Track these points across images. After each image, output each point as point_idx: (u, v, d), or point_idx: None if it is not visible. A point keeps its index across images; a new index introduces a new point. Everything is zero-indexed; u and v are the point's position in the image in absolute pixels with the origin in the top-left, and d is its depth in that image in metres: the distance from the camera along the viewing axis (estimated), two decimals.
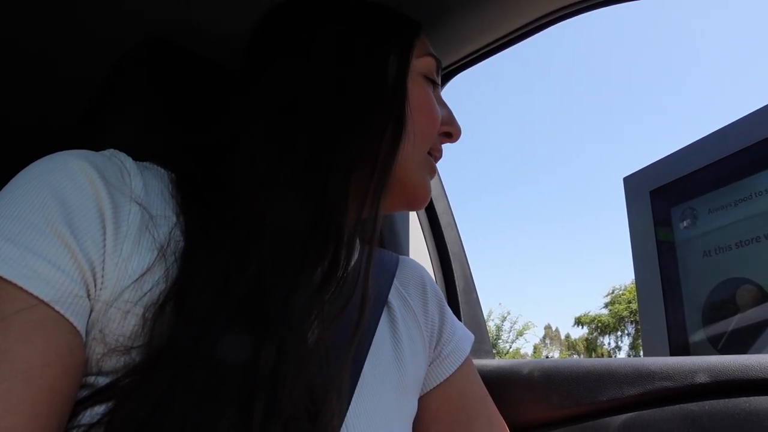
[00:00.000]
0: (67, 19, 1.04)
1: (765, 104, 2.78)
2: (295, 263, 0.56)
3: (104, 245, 0.51)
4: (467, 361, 0.82)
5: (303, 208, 0.59)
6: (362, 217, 0.62)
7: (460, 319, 1.26)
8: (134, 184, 0.56)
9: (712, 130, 3.03)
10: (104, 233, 0.52)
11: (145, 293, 0.52)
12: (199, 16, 0.92)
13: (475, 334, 1.27)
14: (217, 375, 0.49)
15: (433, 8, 1.05)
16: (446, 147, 0.79)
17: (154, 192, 0.58)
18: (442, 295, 0.86)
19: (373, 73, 0.67)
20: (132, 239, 0.53)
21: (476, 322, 1.29)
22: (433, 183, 1.37)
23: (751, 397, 0.71)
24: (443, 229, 1.33)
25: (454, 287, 1.29)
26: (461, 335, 0.83)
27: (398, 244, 1.26)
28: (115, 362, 0.51)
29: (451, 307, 1.29)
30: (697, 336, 2.96)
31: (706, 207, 3.01)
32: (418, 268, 0.86)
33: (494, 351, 1.29)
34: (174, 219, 0.57)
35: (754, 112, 2.83)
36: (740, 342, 2.74)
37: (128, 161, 0.59)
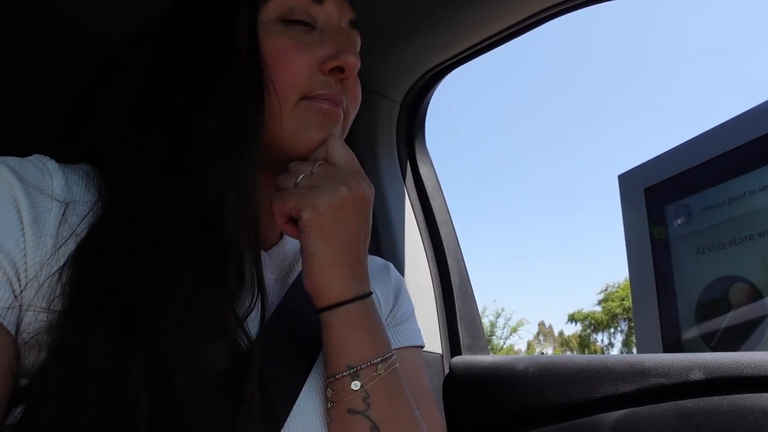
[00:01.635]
0: (58, 11, 1.03)
1: (759, 103, 2.79)
2: (177, 269, 0.55)
3: (25, 243, 0.52)
4: (414, 353, 0.79)
5: (176, 208, 0.58)
6: (241, 198, 0.60)
7: (455, 315, 1.26)
8: (55, 184, 0.57)
9: (707, 128, 3.04)
10: (23, 232, 0.52)
11: (57, 291, 0.52)
12: None
13: (470, 330, 1.28)
14: (109, 386, 0.48)
15: (428, 4, 1.05)
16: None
17: (77, 187, 0.59)
18: (403, 283, 0.85)
19: (220, 41, 0.64)
20: (54, 235, 0.54)
21: (471, 318, 1.29)
22: (429, 179, 1.37)
23: (746, 395, 0.71)
24: (439, 225, 1.33)
25: (450, 283, 1.29)
26: (413, 328, 0.80)
27: (393, 240, 1.26)
28: (32, 360, 0.51)
29: (446, 303, 1.29)
30: (690, 333, 2.97)
31: (700, 205, 3.02)
32: (381, 261, 0.86)
33: (489, 347, 1.29)
34: (91, 209, 0.58)
35: (748, 111, 2.84)
36: (733, 339, 2.76)
37: (50, 163, 0.59)
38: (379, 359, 0.60)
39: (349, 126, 0.73)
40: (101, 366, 0.48)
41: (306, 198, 0.59)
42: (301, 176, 0.61)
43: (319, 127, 0.65)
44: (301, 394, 0.62)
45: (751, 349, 2.65)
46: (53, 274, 0.52)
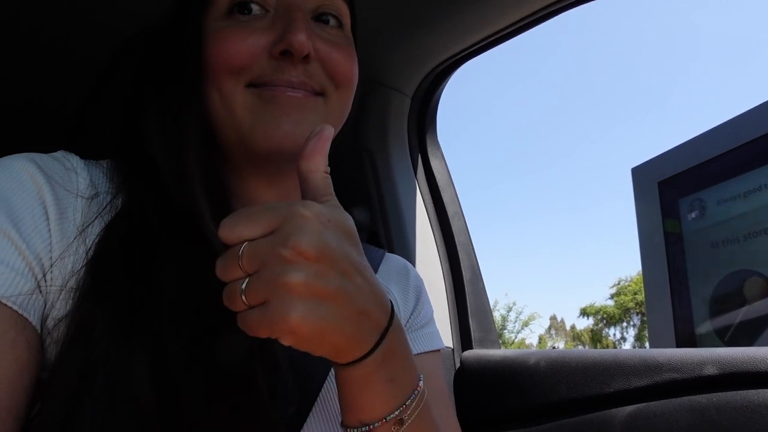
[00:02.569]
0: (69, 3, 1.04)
1: None
2: (171, 261, 0.55)
3: (50, 239, 0.53)
4: (434, 357, 0.76)
5: (160, 201, 0.59)
6: (210, 192, 0.60)
7: (466, 309, 1.26)
8: (80, 180, 0.58)
9: (722, 121, 3.01)
10: (49, 227, 0.53)
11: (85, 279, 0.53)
12: None
13: (481, 324, 1.28)
14: (114, 378, 0.49)
15: None
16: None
17: (101, 183, 0.60)
18: (423, 285, 0.83)
19: (168, 43, 0.66)
20: (78, 230, 0.55)
21: (482, 311, 1.29)
22: (440, 173, 1.36)
23: (760, 390, 0.70)
24: (450, 219, 1.33)
25: (461, 277, 1.29)
26: (433, 331, 0.78)
27: (404, 234, 1.25)
28: (54, 353, 0.52)
29: (457, 297, 1.29)
30: (704, 328, 2.95)
31: (715, 198, 2.99)
32: (401, 261, 0.84)
33: (500, 341, 1.29)
34: (111, 203, 0.59)
35: (764, 103, 2.81)
36: (747, 334, 2.73)
37: (75, 160, 0.60)
38: (397, 410, 0.50)
39: (340, 113, 0.67)
40: (105, 357, 0.49)
41: (274, 323, 0.42)
42: (243, 281, 0.43)
43: (275, 119, 0.60)
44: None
45: (766, 344, 2.63)
46: (78, 270, 0.53)
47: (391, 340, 0.49)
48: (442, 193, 1.34)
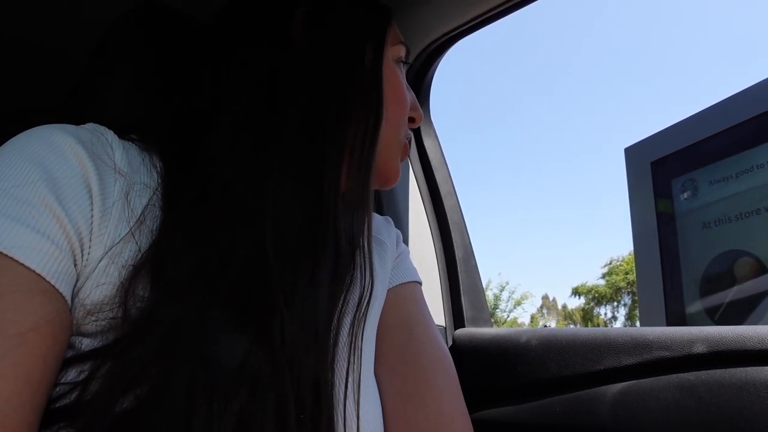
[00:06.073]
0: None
1: None
2: (300, 258, 0.57)
3: (92, 216, 0.52)
4: (415, 287, 0.81)
5: (300, 198, 0.59)
6: (360, 205, 0.64)
7: (458, 288, 1.27)
8: (116, 156, 0.57)
9: (715, 102, 3.01)
10: (92, 204, 0.53)
11: (126, 258, 0.53)
12: None
13: (473, 303, 1.28)
14: (204, 366, 0.49)
15: None
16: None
17: (135, 162, 0.59)
18: (399, 232, 0.88)
19: (352, 62, 0.67)
20: (119, 208, 0.54)
21: (475, 290, 1.29)
22: (433, 152, 1.36)
23: (748, 368, 0.71)
24: (443, 198, 1.32)
25: (453, 256, 1.29)
26: (411, 267, 0.84)
27: (398, 212, 1.25)
28: (94, 326, 0.51)
29: (449, 276, 1.30)
30: (694, 307, 2.98)
31: (707, 179, 3.01)
32: (381, 216, 0.88)
33: (492, 320, 1.30)
34: (154, 186, 0.58)
35: (758, 84, 2.81)
36: (737, 314, 2.76)
37: (109, 134, 0.59)
38: None
39: None
40: (201, 348, 0.49)
41: None
42: None
43: (400, 162, 0.75)
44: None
45: (755, 323, 2.65)
46: (123, 243, 0.53)
47: None
48: (435, 172, 1.33)
